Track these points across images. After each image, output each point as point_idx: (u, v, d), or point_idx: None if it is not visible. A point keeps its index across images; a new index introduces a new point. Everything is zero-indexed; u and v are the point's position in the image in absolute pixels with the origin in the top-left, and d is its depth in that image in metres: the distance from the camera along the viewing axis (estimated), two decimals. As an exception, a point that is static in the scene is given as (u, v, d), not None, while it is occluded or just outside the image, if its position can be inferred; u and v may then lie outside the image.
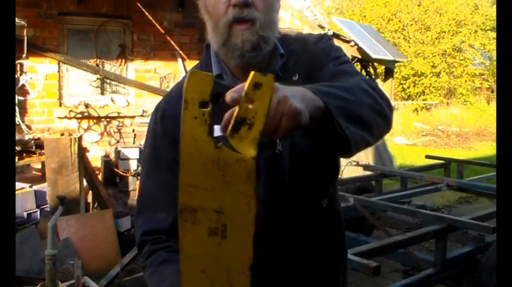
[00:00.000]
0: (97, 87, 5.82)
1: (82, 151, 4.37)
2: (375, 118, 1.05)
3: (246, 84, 0.79)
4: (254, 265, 0.83)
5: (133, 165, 5.37)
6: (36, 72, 5.32)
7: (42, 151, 4.25)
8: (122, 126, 5.78)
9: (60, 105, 5.52)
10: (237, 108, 0.78)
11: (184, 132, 0.77)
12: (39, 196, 4.34)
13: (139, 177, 5.16)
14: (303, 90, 0.90)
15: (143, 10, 5.68)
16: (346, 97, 0.98)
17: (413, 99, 17.83)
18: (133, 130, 5.81)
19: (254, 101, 0.78)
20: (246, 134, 0.78)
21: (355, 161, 5.33)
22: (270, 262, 1.17)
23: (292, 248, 1.18)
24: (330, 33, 10.59)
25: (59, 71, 5.50)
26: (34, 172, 4.95)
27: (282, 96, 0.81)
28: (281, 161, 1.14)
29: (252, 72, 0.79)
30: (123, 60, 5.93)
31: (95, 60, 5.77)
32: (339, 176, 1.38)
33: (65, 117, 5.45)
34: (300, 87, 0.92)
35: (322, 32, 8.32)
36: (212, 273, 0.82)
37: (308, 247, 1.21)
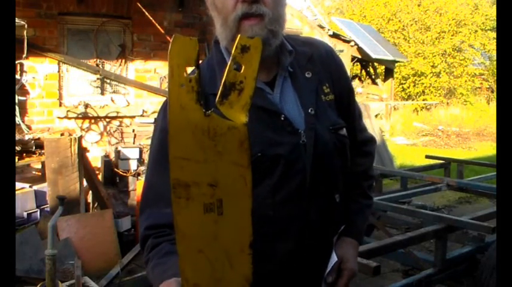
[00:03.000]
0: (97, 87, 5.81)
1: (82, 151, 4.37)
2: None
3: (233, 48, 0.75)
4: (254, 243, 0.79)
5: (133, 165, 5.37)
6: (36, 72, 5.32)
7: (42, 151, 4.25)
8: (121, 126, 5.78)
9: (60, 105, 5.52)
10: (225, 74, 0.75)
11: (172, 101, 0.73)
12: (39, 196, 4.34)
13: (139, 177, 5.17)
14: (355, 252, 1.34)
15: (143, 10, 5.67)
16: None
17: (413, 99, 17.82)
18: (134, 130, 5.81)
19: (242, 66, 0.75)
20: (236, 100, 0.75)
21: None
22: (280, 252, 1.18)
23: (304, 239, 1.20)
24: (330, 33, 10.60)
25: (59, 71, 5.50)
26: (34, 172, 4.95)
27: (354, 270, 1.28)
28: (304, 152, 1.17)
29: (239, 36, 0.76)
30: (123, 60, 5.93)
31: (95, 60, 5.77)
32: None
33: (65, 117, 5.45)
34: (354, 244, 1.34)
35: (322, 32, 8.32)
36: (210, 253, 0.78)
37: (320, 239, 1.24)
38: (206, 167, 0.75)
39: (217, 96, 0.75)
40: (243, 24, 1.12)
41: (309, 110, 1.21)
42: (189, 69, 0.75)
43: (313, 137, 1.19)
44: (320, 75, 1.26)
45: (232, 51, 0.76)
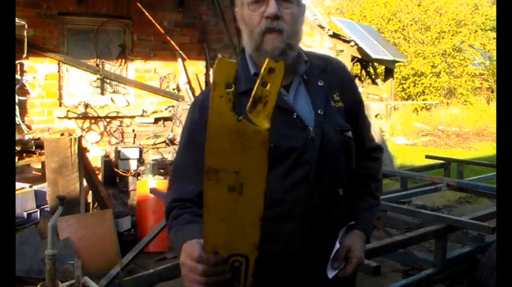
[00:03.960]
0: (97, 87, 5.82)
1: (82, 151, 4.37)
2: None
3: (262, 69, 0.95)
4: (264, 217, 0.99)
5: (133, 165, 5.37)
6: (36, 72, 5.32)
7: (42, 151, 4.25)
8: (121, 126, 5.78)
9: (60, 105, 5.52)
10: (254, 89, 0.95)
11: (213, 108, 0.92)
12: (39, 196, 4.33)
13: (139, 177, 5.17)
14: (363, 243, 1.48)
15: (143, 10, 5.67)
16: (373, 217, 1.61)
17: (413, 99, 17.82)
18: (134, 130, 5.81)
19: (268, 83, 0.95)
20: (262, 110, 0.95)
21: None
22: (285, 231, 1.34)
23: (306, 221, 1.35)
24: (330, 33, 10.59)
25: (59, 71, 5.50)
26: (34, 172, 4.95)
27: (361, 259, 1.43)
28: (312, 146, 1.35)
29: (267, 59, 0.95)
30: (123, 60, 5.93)
31: (95, 60, 5.77)
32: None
33: (65, 117, 5.45)
34: (362, 236, 1.48)
35: (322, 31, 8.32)
36: (229, 222, 0.99)
37: (320, 223, 1.37)
38: (234, 158, 0.95)
39: (248, 105, 0.95)
40: (266, 37, 1.34)
41: (319, 111, 1.39)
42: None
43: (321, 133, 1.36)
44: (331, 85, 1.45)
45: (261, 72, 0.94)
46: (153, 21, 5.77)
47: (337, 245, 1.38)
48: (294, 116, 1.36)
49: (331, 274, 1.38)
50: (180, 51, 6.10)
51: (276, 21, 1.32)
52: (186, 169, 1.36)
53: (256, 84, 0.94)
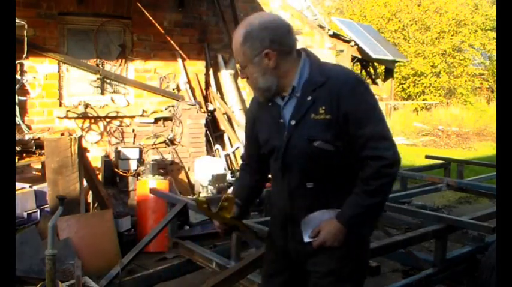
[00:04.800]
0: (97, 87, 5.82)
1: (82, 151, 4.37)
2: (386, 198, 1.91)
3: (223, 197, 1.99)
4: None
5: (133, 165, 5.36)
6: (36, 72, 5.32)
7: (42, 151, 4.25)
8: (121, 126, 5.78)
9: (60, 105, 5.52)
10: (219, 203, 1.97)
11: (199, 209, 2.10)
12: (39, 196, 4.33)
13: (139, 177, 5.16)
14: (331, 228, 1.86)
15: (143, 10, 5.68)
16: (366, 217, 1.89)
17: (413, 99, 17.81)
18: (134, 130, 5.81)
19: (227, 202, 1.99)
20: (225, 211, 2.00)
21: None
22: (279, 199, 1.97)
23: (284, 195, 1.94)
24: (330, 33, 10.59)
25: (59, 71, 5.51)
26: (34, 172, 4.95)
27: (324, 240, 1.86)
28: (281, 148, 1.89)
29: (223, 196, 2.01)
30: (123, 60, 5.94)
31: (95, 60, 5.77)
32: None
33: (65, 117, 5.45)
34: (334, 224, 1.85)
35: (322, 31, 8.32)
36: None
37: (291, 198, 1.92)
38: (217, 218, 2.13)
39: (217, 209, 1.98)
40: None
41: (291, 122, 1.85)
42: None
43: (287, 139, 1.86)
44: (319, 100, 1.79)
45: (222, 199, 1.98)
46: (153, 21, 5.77)
47: (304, 221, 1.90)
48: (281, 121, 1.88)
49: (306, 239, 1.89)
50: (180, 51, 6.10)
51: (246, 79, 1.90)
52: (246, 139, 2.18)
53: (220, 202, 1.96)
